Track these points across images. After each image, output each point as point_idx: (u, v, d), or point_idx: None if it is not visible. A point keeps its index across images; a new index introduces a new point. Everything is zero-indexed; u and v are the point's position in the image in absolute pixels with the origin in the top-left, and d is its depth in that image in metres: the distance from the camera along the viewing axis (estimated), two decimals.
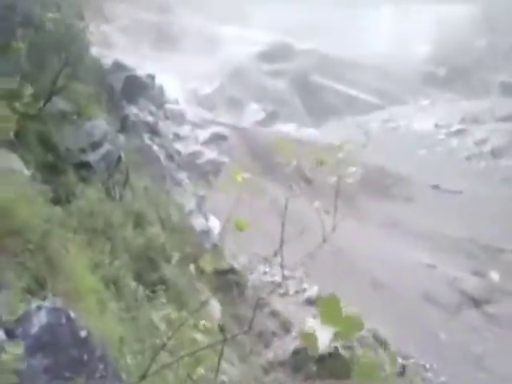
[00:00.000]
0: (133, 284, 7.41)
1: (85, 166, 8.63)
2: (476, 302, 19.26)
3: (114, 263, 6.77)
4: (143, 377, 1.67)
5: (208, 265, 1.90)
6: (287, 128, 41.56)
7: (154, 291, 7.63)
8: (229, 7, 52.87)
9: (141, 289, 7.59)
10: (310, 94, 48.51)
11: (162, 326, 5.24)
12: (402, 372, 13.68)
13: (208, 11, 51.08)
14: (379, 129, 42.97)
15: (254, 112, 43.07)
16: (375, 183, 30.12)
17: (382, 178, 31.35)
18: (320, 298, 1.47)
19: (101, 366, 2.21)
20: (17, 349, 2.00)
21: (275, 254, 1.98)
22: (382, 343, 14.49)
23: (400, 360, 14.09)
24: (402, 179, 31.68)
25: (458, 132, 39.99)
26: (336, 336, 1.38)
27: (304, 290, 17.09)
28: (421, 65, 53.84)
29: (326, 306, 1.42)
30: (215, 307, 11.42)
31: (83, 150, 8.78)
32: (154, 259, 10.27)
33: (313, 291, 16.82)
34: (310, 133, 40.75)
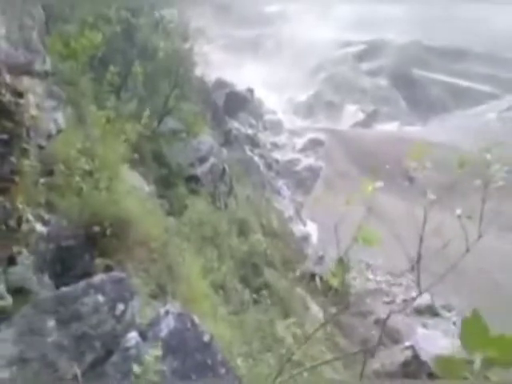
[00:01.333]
0: (239, 288, 7.83)
1: (193, 179, 9.34)
2: None
3: (221, 269, 7.23)
4: None
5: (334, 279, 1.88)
6: (388, 127, 39.91)
7: (258, 295, 7.98)
8: (320, 11, 52.58)
9: (246, 293, 7.99)
10: (413, 89, 45.94)
11: (288, 339, 5.46)
12: None
13: (300, 18, 51.37)
14: (497, 120, 39.10)
15: (351, 114, 42.26)
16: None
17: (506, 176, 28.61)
18: (463, 320, 1.11)
19: (222, 371, 2.45)
20: (156, 351, 2.32)
21: (412, 269, 1.84)
22: None
23: None
24: None
25: None
26: (487, 363, 1.09)
27: (413, 299, 16.29)
28: None
29: (468, 328, 1.08)
30: (316, 312, 11.50)
31: (192, 165, 9.50)
32: (258, 264, 10.70)
33: (423, 300, 15.97)
34: (414, 130, 38.70)
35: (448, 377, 1.11)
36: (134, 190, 6.15)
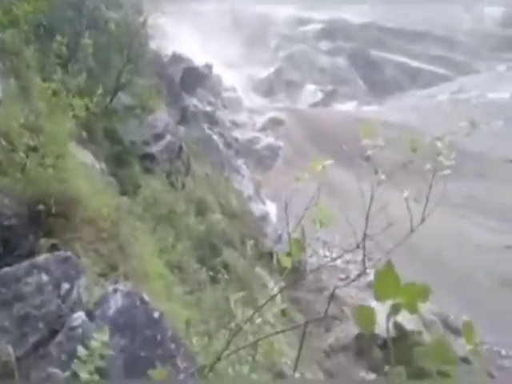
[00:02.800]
0: (196, 268, 7.77)
1: (149, 157, 9.09)
2: None
3: (177, 248, 7.14)
4: (218, 359, 1.80)
5: (286, 260, 1.86)
6: (346, 107, 40.47)
7: (216, 274, 7.96)
8: None
9: (203, 273, 7.95)
10: (371, 69, 46.72)
11: (238, 310, 5.48)
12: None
13: None
14: (448, 101, 40.49)
15: (310, 93, 42.50)
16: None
17: (455, 154, 29.83)
18: (375, 271, 1.24)
19: (172, 346, 2.42)
20: (103, 336, 2.25)
21: (357, 247, 1.86)
22: (453, 329, 14.05)
23: (471, 345, 13.55)
24: (475, 154, 29.93)
25: None
26: (395, 308, 1.19)
27: (367, 274, 16.87)
28: (493, 28, 49.92)
29: (380, 278, 1.19)
30: (275, 291, 11.65)
31: (147, 143, 9.23)
32: (216, 244, 10.67)
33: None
34: (372, 110, 39.44)
35: (363, 324, 1.22)
36: (83, 168, 5.90)
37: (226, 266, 9.93)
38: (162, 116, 9.96)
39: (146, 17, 9.04)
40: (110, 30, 8.18)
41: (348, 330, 12.37)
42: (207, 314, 6.33)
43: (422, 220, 1.73)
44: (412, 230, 1.76)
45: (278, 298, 10.22)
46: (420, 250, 19.96)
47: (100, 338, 2.18)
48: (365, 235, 1.79)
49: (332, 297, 6.38)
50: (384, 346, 11.72)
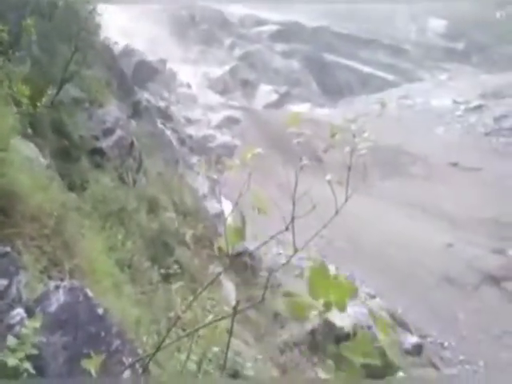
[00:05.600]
0: (148, 267, 7.58)
1: (98, 152, 8.77)
2: (495, 281, 19.16)
3: (128, 247, 6.93)
4: (158, 349, 1.76)
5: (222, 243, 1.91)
6: (300, 108, 41.10)
7: (168, 274, 7.80)
8: None
9: (155, 272, 7.76)
10: (324, 72, 47.73)
11: (177, 300, 5.40)
12: (420, 351, 13.75)
13: None
14: (395, 106, 42.20)
15: (265, 94, 42.81)
16: (392, 162, 29.85)
17: (399, 156, 31.05)
18: (309, 268, 1.32)
19: (117, 342, 2.33)
20: (35, 323, 2.13)
21: (286, 229, 2.01)
22: (400, 323, 14.56)
23: (417, 339, 14.15)
24: (420, 157, 31.29)
25: (477, 108, 39.04)
26: (327, 306, 1.26)
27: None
28: (437, 39, 52.55)
29: (314, 276, 1.27)
30: (230, 289, 11.60)
31: (96, 137, 8.90)
32: (169, 243, 10.45)
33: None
34: (324, 113, 40.30)
35: (296, 316, 1.40)
36: (26, 162, 5.59)
37: (179, 265, 9.76)
38: (113, 110, 9.63)
39: (95, 5, 8.68)
40: (56, 16, 7.79)
41: (302, 326, 12.51)
42: (159, 314, 6.18)
43: (346, 200, 1.86)
44: (337, 212, 1.88)
45: (232, 295, 10.18)
46: (366, 247, 20.58)
47: (31, 325, 2.08)
48: (293, 218, 1.94)
49: (268, 281, 6.55)
50: (338, 341, 11.94)
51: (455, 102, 40.70)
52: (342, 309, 1.28)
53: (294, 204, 1.86)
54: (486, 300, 17.96)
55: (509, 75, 41.97)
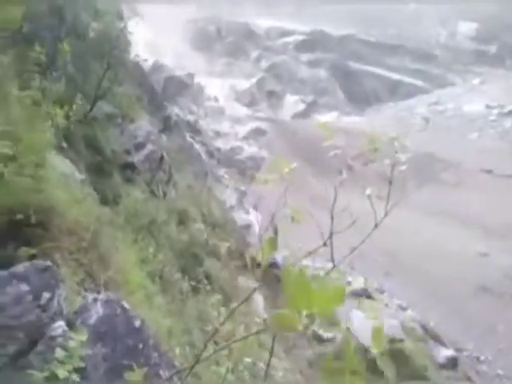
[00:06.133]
0: (178, 278, 7.68)
1: (130, 166, 8.99)
2: None
3: (159, 259, 7.05)
4: (197, 361, 1.79)
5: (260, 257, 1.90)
6: (327, 117, 40.96)
7: (198, 285, 7.88)
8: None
9: (186, 283, 7.86)
10: (351, 81, 47.47)
11: (214, 314, 5.46)
12: (455, 364, 13.33)
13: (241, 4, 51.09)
14: (426, 113, 41.45)
15: (292, 104, 42.92)
16: (425, 169, 29.31)
17: (432, 163, 30.44)
18: (284, 269, 1.22)
19: (155, 355, 2.39)
20: (82, 336, 2.22)
21: (324, 244, 1.98)
22: (433, 335, 14.17)
23: (452, 352, 13.73)
24: (453, 164, 30.58)
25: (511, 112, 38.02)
26: (310, 318, 1.18)
27: (349, 283, 16.91)
28: (468, 43, 51.51)
29: (291, 284, 1.17)
30: (259, 302, 11.60)
31: (128, 152, 9.14)
32: (198, 255, 10.57)
33: (359, 283, 16.61)
34: (351, 120, 40.01)
35: (282, 330, 1.24)
36: (62, 178, 5.80)
37: (208, 276, 9.84)
38: (144, 125, 9.89)
39: (126, 23, 8.98)
40: (89, 37, 8.11)
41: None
42: (190, 324, 6.25)
43: (385, 215, 1.82)
44: (376, 225, 1.85)
45: (261, 306, 10.16)
46: (399, 258, 20.19)
47: (78, 338, 2.16)
48: (331, 233, 1.90)
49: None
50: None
51: (488, 106, 39.65)
52: (328, 317, 1.23)
53: (332, 219, 1.85)
54: None
55: None
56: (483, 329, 16.11)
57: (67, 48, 5.93)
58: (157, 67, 25.82)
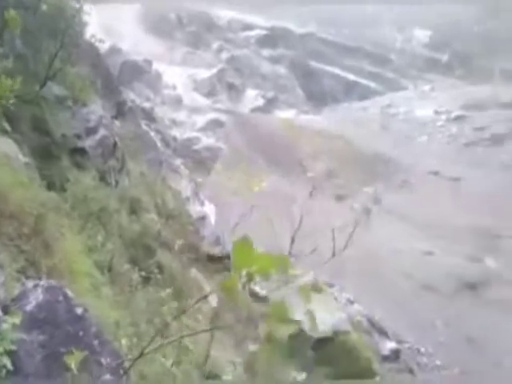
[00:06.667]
0: (128, 269, 7.47)
1: (80, 151, 8.63)
2: (472, 288, 19.50)
3: (107, 248, 6.82)
4: (141, 353, 1.72)
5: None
6: (286, 114, 41.21)
7: (148, 276, 7.70)
8: None
9: (136, 274, 7.65)
10: (310, 79, 48.09)
11: (165, 308, 5.35)
12: (397, 356, 13.88)
13: None
14: (379, 115, 42.70)
15: (252, 98, 42.84)
16: (375, 170, 30.23)
17: (382, 164, 31.45)
18: (233, 243, 1.34)
19: (96, 342, 2.29)
20: (15, 319, 2.09)
21: (292, 241, 2.00)
22: (378, 329, 14.67)
23: (395, 345, 14.29)
24: (402, 166, 31.75)
25: (458, 118, 39.82)
26: (249, 276, 1.30)
27: (299, 276, 17.14)
28: (421, 50, 53.43)
29: (237, 250, 1.30)
30: (211, 299, 11.53)
31: (78, 136, 8.76)
32: (150, 245, 10.33)
33: (308, 277, 16.89)
34: (310, 119, 40.45)
35: (228, 294, 1.39)
36: (5, 159, 5.47)
37: (159, 268, 9.66)
38: (96, 109, 9.50)
39: (83, 3, 8.55)
40: (42, 11, 7.65)
41: (281, 332, 12.48)
42: (138, 316, 6.09)
43: (356, 225, 1.84)
44: (351, 235, 1.88)
45: (214, 300, 10.05)
46: (346, 255, 20.73)
47: (11, 320, 2.05)
48: (292, 240, 1.96)
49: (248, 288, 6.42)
50: (316, 346, 11.97)
51: (437, 112, 41.45)
52: (266, 278, 1.33)
53: (300, 221, 1.87)
54: (462, 307, 18.25)
55: (489, 87, 42.96)
56: (425, 323, 16.89)
57: (16, 19, 5.54)
58: (113, 51, 24.90)
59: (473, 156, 34.38)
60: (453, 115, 40.32)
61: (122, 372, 1.92)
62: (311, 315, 1.51)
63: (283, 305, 1.44)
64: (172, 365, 3.47)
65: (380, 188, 28.12)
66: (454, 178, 30.38)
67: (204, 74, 40.89)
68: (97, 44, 11.53)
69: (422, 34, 54.23)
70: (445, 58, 52.75)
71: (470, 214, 25.45)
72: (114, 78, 18.23)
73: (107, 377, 2.05)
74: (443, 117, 40.59)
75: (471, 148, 35.78)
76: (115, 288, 6.70)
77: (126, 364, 2.25)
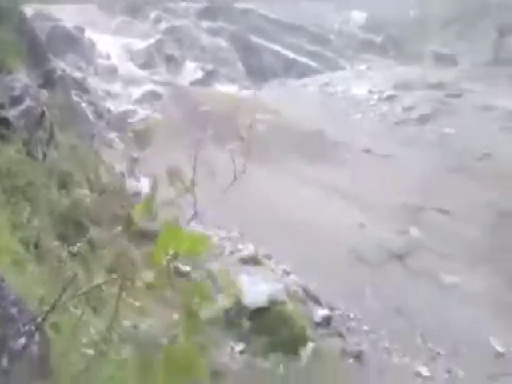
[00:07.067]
0: (56, 246, 7.29)
1: (3, 122, 8.14)
2: (398, 257, 20.90)
3: (34, 224, 6.60)
4: (53, 307, 1.76)
5: (139, 215, 1.99)
6: (226, 88, 40.86)
7: (79, 253, 7.55)
8: None
9: (65, 251, 7.48)
10: (250, 54, 47.95)
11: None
12: (329, 322, 14.71)
13: None
14: (318, 93, 43.55)
15: (191, 71, 41.92)
16: (312, 146, 31.05)
17: (320, 141, 32.35)
18: (161, 225, 1.44)
19: (14, 310, 2.29)
20: None
21: (187, 190, 2.13)
22: (313, 297, 15.42)
23: (327, 311, 15.10)
24: (338, 143, 32.79)
25: (389, 98, 41.49)
26: (174, 255, 1.41)
27: (239, 250, 17.45)
28: (358, 31, 54.89)
29: (166, 231, 1.40)
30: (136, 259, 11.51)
31: (1, 106, 8.25)
32: (81, 221, 10.06)
33: (248, 250, 17.25)
34: (249, 94, 40.43)
35: (152, 267, 1.52)
36: None
37: (91, 244, 9.48)
38: (21, 77, 8.95)
39: None
40: None
41: (217, 303, 12.77)
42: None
43: (244, 171, 2.02)
44: (235, 178, 2.05)
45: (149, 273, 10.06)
46: (285, 227, 21.40)
47: None
48: (193, 182, 2.12)
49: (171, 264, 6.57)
50: (252, 317, 12.40)
51: (370, 91, 42.94)
52: (193, 257, 1.52)
53: (194, 171, 2.00)
54: (390, 276, 19.58)
55: (417, 68, 45.12)
56: (355, 291, 17.96)
57: None
58: (41, 16, 23.20)
59: (402, 134, 36.18)
60: (385, 95, 41.96)
61: (34, 328, 1.95)
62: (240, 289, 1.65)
63: (204, 284, 1.57)
64: (82, 313, 3.54)
65: (319, 164, 28.98)
66: (384, 156, 31.87)
67: (140, 44, 39.33)
68: (22, 7, 10.75)
69: (358, 16, 55.68)
70: (379, 39, 54.62)
71: (399, 189, 26.98)
72: (43, 45, 17.08)
73: (22, 340, 2.09)
74: (375, 96, 42.17)
75: (401, 126, 37.56)
76: (43, 265, 6.54)
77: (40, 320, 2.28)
